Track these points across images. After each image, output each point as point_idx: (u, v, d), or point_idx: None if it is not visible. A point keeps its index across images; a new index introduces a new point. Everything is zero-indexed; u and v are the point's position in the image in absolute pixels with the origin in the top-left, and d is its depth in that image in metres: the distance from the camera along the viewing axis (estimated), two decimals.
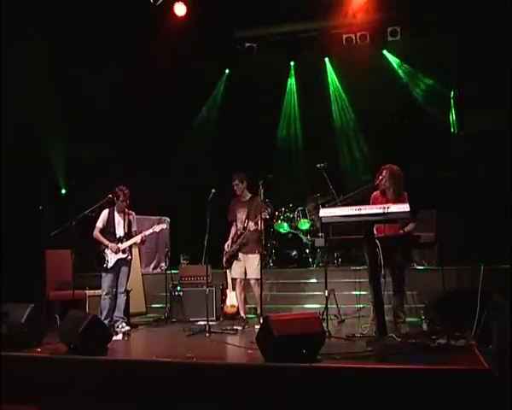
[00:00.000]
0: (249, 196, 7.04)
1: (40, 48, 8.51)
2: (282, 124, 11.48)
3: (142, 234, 7.04)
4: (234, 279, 7.14)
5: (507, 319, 4.67)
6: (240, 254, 6.97)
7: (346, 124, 11.03)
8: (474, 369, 4.11)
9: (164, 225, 7.38)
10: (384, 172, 6.14)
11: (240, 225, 7.02)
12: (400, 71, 10.54)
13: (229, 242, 7.11)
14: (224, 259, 7.23)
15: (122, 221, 6.96)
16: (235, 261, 7.04)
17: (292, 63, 11.31)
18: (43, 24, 8.57)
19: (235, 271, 7.04)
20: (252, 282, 6.82)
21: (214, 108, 11.48)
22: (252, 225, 6.80)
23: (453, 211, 6.78)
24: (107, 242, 6.81)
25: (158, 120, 10.30)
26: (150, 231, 7.13)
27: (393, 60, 10.61)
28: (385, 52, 10.62)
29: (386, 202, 5.94)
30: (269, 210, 6.79)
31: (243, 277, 6.99)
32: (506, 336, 4.71)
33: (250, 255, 6.77)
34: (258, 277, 6.75)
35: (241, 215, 7.02)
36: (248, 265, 6.80)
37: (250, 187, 7.09)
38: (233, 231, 7.17)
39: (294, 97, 11.42)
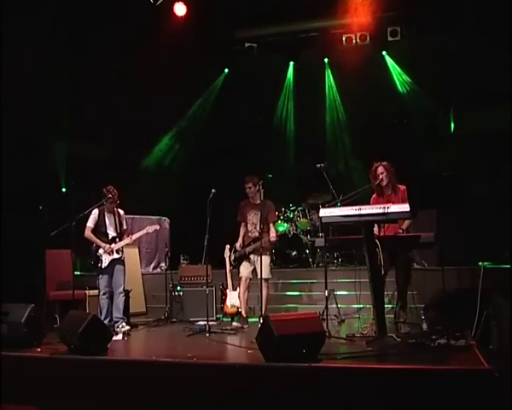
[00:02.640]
0: (261, 199, 7.06)
1: (41, 48, 8.50)
2: (281, 124, 11.48)
3: (134, 236, 7.06)
4: (239, 278, 7.15)
5: (507, 319, 4.67)
6: (251, 256, 7.02)
7: (347, 124, 11.02)
8: (474, 369, 4.11)
9: (157, 226, 7.36)
10: (380, 168, 6.16)
11: (251, 228, 7.06)
12: (398, 81, 10.56)
13: (240, 241, 7.16)
14: (233, 257, 7.27)
15: (113, 221, 6.97)
16: (244, 261, 7.09)
17: (291, 63, 11.32)
18: (44, 24, 8.55)
19: (244, 270, 7.08)
20: (263, 282, 6.83)
21: (209, 105, 11.44)
22: (273, 237, 6.94)
23: (453, 211, 6.77)
24: (101, 243, 6.82)
25: (158, 120, 10.33)
26: (144, 231, 7.15)
27: (392, 66, 10.62)
28: (384, 53, 10.64)
29: (387, 200, 5.96)
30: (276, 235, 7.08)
31: (251, 276, 7.06)
32: (506, 336, 4.71)
33: (263, 256, 6.78)
34: (269, 276, 6.98)
35: (253, 218, 7.07)
36: (262, 265, 6.79)
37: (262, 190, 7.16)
38: (242, 231, 7.20)
39: (294, 98, 11.41)
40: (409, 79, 10.47)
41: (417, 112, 10.16)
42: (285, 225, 9.43)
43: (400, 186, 6.15)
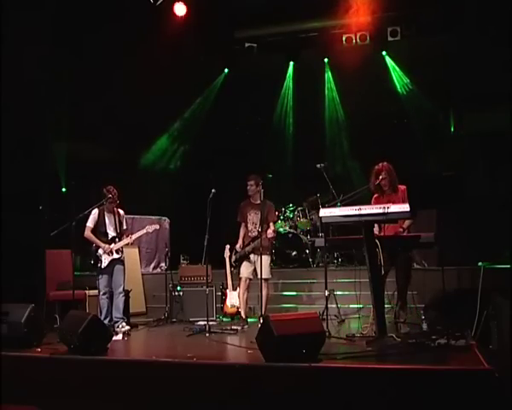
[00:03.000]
0: (261, 199, 7.08)
1: (41, 48, 8.50)
2: (281, 124, 11.47)
3: (134, 236, 7.06)
4: (239, 278, 7.16)
5: (507, 319, 4.67)
6: (251, 256, 7.03)
7: (347, 124, 11.02)
8: (474, 369, 4.11)
9: (157, 226, 7.35)
10: (383, 173, 6.16)
11: (251, 227, 7.08)
12: (397, 81, 10.56)
13: (241, 242, 7.17)
14: (234, 258, 7.29)
15: (113, 221, 6.96)
16: (244, 261, 7.10)
17: (291, 63, 11.31)
18: (44, 24, 8.55)
19: (244, 270, 7.09)
20: (263, 282, 6.85)
21: (209, 105, 11.41)
22: (270, 233, 6.95)
23: (453, 211, 6.78)
24: (100, 243, 6.81)
25: (158, 120, 10.33)
26: (143, 231, 7.14)
27: (392, 67, 10.61)
28: (384, 54, 10.63)
29: (388, 200, 5.96)
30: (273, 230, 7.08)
31: (251, 277, 7.07)
32: (506, 336, 4.71)
33: (263, 256, 6.81)
34: (269, 276, 6.99)
35: (253, 218, 7.08)
36: (262, 265, 6.80)
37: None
38: (242, 231, 7.22)
39: (294, 98, 11.40)
40: (408, 80, 10.47)
41: (417, 112, 10.16)
42: (283, 223, 9.44)
43: (400, 186, 6.15)
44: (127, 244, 7.03)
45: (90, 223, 6.88)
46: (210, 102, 11.41)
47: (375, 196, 6.32)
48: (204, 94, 11.43)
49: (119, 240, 6.93)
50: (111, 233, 6.92)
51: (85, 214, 6.84)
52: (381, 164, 6.23)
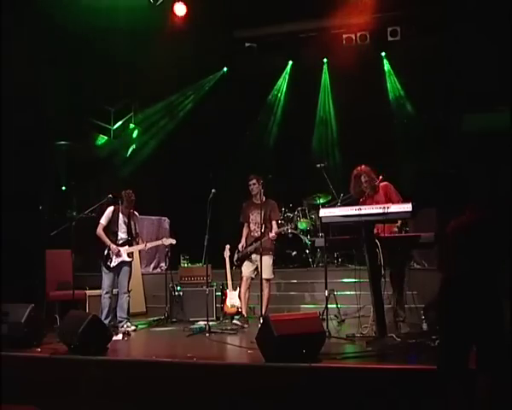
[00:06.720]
0: (263, 198, 7.10)
1: (41, 48, 8.50)
2: (281, 123, 11.46)
3: (149, 244, 7.17)
4: (241, 278, 7.18)
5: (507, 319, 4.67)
6: (254, 256, 7.05)
7: (348, 123, 11.01)
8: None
9: (173, 241, 7.37)
10: (362, 177, 6.12)
11: (254, 227, 7.09)
12: (398, 80, 10.56)
13: (243, 242, 7.20)
14: (236, 257, 7.31)
15: (127, 224, 6.96)
16: (246, 261, 7.11)
17: (290, 62, 11.29)
18: (44, 24, 8.55)
19: (246, 270, 7.12)
20: (264, 282, 6.87)
21: (208, 105, 11.34)
22: (273, 235, 6.97)
23: (454, 210, 6.77)
24: (108, 241, 6.80)
25: (157, 120, 10.32)
26: (159, 242, 7.33)
27: (392, 66, 10.61)
28: (384, 54, 10.63)
29: (373, 200, 5.95)
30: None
31: (253, 276, 7.09)
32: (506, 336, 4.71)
33: (264, 256, 6.85)
34: (271, 277, 6.98)
35: (256, 217, 7.07)
36: (263, 265, 6.85)
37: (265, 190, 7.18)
38: (245, 231, 7.24)
39: (294, 97, 11.38)
40: (409, 79, 10.46)
41: (417, 112, 10.16)
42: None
43: (381, 184, 6.12)
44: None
45: (104, 220, 6.88)
46: (210, 103, 11.35)
47: (361, 200, 6.27)
48: (203, 94, 11.36)
49: (131, 243, 6.92)
50: (121, 235, 6.91)
51: (85, 214, 6.85)
52: (358, 167, 6.20)
